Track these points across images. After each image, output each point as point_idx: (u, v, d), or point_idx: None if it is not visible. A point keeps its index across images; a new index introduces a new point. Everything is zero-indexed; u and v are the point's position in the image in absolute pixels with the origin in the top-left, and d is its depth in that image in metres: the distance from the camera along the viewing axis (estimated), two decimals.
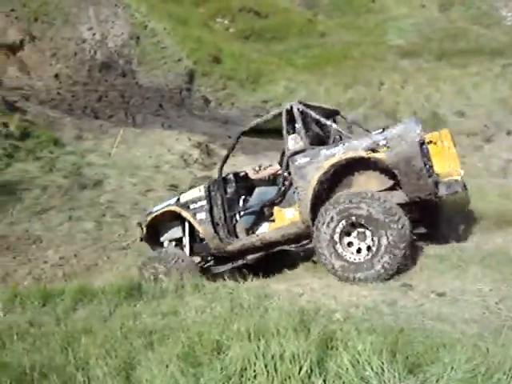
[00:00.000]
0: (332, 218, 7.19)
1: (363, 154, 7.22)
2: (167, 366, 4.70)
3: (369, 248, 7.14)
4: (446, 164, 7.17)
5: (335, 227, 7.21)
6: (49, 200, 18.23)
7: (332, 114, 9.57)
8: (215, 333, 5.23)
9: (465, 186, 7.81)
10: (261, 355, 4.25)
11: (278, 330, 4.87)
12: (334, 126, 8.23)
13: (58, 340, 5.99)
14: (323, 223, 7.28)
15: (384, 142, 7.11)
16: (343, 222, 7.18)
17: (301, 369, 4.04)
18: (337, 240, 7.26)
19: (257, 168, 9.19)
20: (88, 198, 18.83)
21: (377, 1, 49.15)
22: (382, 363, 3.92)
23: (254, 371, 4.17)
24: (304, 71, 36.59)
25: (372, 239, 7.03)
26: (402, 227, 6.83)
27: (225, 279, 8.14)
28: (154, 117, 28.82)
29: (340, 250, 7.25)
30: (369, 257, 7.01)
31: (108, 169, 20.93)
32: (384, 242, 6.83)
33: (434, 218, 7.89)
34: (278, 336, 4.72)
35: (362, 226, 7.13)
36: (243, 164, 22.36)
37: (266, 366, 4.12)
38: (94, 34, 35.54)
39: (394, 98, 32.18)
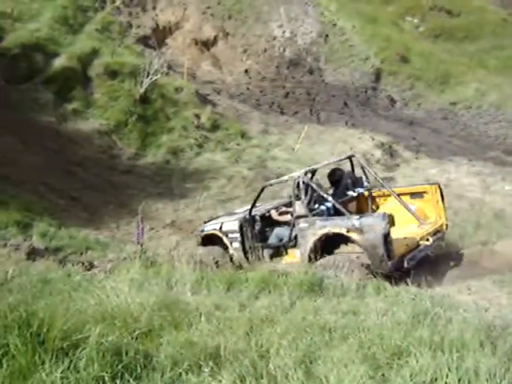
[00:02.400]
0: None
1: (344, 231, 9.37)
2: (346, 366, 4.62)
3: None
4: (434, 214, 10.23)
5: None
6: (233, 190, 18.92)
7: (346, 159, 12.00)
8: (396, 338, 5.06)
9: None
10: (454, 368, 4.05)
11: (462, 343, 4.62)
12: (331, 201, 10.35)
13: (241, 325, 6.12)
14: None
15: (359, 227, 9.14)
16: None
17: None
18: None
19: (279, 211, 11.32)
20: (270, 190, 19.25)
21: None
22: None
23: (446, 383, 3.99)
24: (496, 73, 34.63)
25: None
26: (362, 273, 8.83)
27: (407, 284, 7.92)
28: (339, 115, 28.79)
29: None
30: None
31: (291, 163, 21.23)
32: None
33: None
34: (463, 349, 4.48)
35: None
36: (427, 167, 21.72)
37: (459, 381, 3.92)
38: (284, 32, 36.23)
39: None
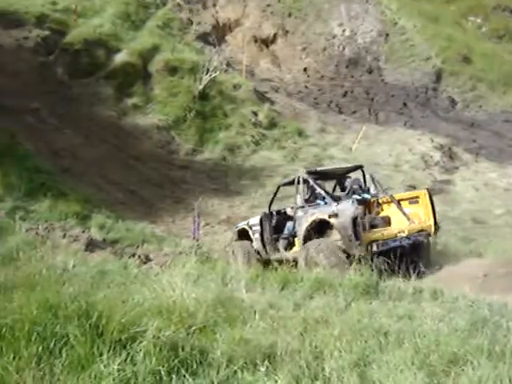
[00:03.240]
0: (305, 255, 10.57)
1: (326, 217, 10.65)
2: (401, 371, 4.53)
3: None
4: (423, 217, 11.15)
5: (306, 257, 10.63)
6: (289, 188, 18.83)
7: (353, 170, 12.83)
8: (453, 345, 4.94)
9: (430, 234, 11.15)
10: None
11: None
12: (325, 195, 11.32)
13: (295, 325, 6.09)
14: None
15: (336, 212, 10.45)
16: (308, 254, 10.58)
17: None
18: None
19: (293, 208, 12.20)
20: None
21: None
22: None
23: None
24: None
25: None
26: (333, 252, 10.17)
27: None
28: (397, 115, 28.43)
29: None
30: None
31: (348, 163, 21.05)
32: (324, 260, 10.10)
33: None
34: None
35: None
36: (487, 170, 21.26)
37: None
38: (344, 30, 36.00)
39: None
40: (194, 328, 5.05)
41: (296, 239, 11.58)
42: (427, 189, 11.65)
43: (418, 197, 11.43)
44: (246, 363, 4.72)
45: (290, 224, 12.12)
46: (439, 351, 4.89)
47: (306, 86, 30.70)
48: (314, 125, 24.77)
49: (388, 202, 11.87)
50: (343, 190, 12.11)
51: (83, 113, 20.44)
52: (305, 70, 32.62)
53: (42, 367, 4.17)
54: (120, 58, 23.49)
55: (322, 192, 11.31)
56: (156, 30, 27.14)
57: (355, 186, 11.96)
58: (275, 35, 34.80)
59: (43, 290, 5.04)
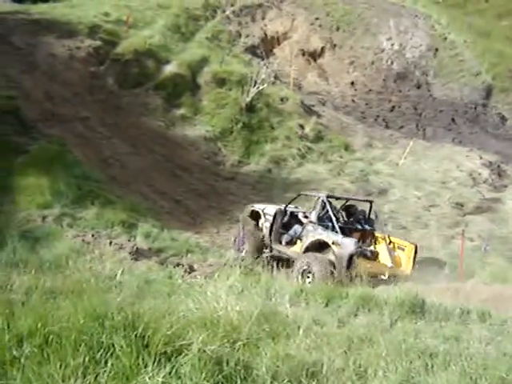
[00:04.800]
0: (301, 262, 12.66)
1: (330, 242, 12.58)
2: None
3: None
4: (404, 264, 13.17)
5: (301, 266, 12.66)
6: (334, 203, 18.75)
7: (364, 201, 15.19)
8: (502, 369, 4.81)
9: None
10: None
11: None
12: (334, 221, 13.18)
13: (339, 343, 6.02)
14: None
15: (340, 243, 12.39)
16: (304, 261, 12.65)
17: None
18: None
19: (304, 214, 14.60)
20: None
21: None
22: None
23: None
24: None
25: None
26: (326, 268, 12.06)
27: None
28: (445, 131, 28.07)
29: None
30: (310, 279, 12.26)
31: (394, 179, 20.92)
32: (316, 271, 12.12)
33: None
34: None
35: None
36: None
37: None
38: (393, 45, 35.78)
39: None
40: (239, 343, 5.03)
41: (298, 241, 13.87)
42: (416, 245, 13.42)
43: (405, 246, 13.46)
44: (290, 380, 4.69)
45: (297, 227, 14.28)
46: (487, 375, 4.80)
47: (353, 100, 30.57)
48: (361, 139, 24.63)
49: (382, 239, 13.84)
50: (349, 216, 14.38)
51: (132, 122, 20.72)
52: (352, 83, 32.49)
53: (87, 377, 4.20)
54: (169, 69, 23.76)
55: (334, 221, 13.17)
56: (205, 42, 27.40)
57: (360, 216, 14.29)
58: (323, 49, 34.77)
59: (90, 299, 5.09)
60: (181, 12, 29.19)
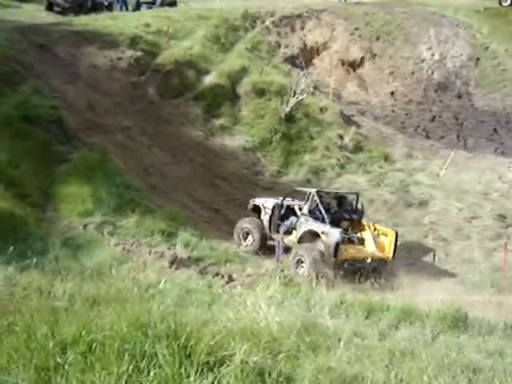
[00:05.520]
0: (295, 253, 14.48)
1: (320, 232, 14.57)
2: None
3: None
4: (387, 248, 15.03)
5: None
6: (374, 213, 18.64)
7: (351, 193, 16.93)
8: None
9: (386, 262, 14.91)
10: None
11: None
12: (324, 214, 15.02)
13: (380, 356, 5.96)
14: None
15: (327, 232, 14.35)
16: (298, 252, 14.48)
17: None
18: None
19: (299, 206, 15.98)
20: (412, 216, 18.83)
21: None
22: None
23: None
24: None
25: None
26: (315, 257, 13.92)
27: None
28: (487, 141, 27.59)
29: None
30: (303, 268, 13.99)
31: (435, 190, 20.63)
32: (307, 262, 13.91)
33: None
34: None
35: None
36: None
37: None
38: (433, 54, 35.41)
39: None
40: (281, 355, 5.00)
41: (294, 231, 15.54)
42: (396, 231, 15.27)
43: (388, 233, 15.32)
44: None
45: (293, 218, 15.81)
46: None
47: (393, 110, 30.30)
48: (401, 149, 24.36)
49: (368, 226, 15.73)
50: (339, 206, 16.21)
51: (172, 132, 20.92)
52: (392, 93, 32.21)
53: None
54: (209, 79, 23.92)
55: (324, 213, 14.92)
56: (244, 53, 27.49)
57: (348, 207, 16.22)
58: (363, 58, 34.56)
59: (133, 307, 5.13)
60: (220, 23, 29.38)
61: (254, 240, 15.71)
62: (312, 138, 23.17)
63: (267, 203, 16.31)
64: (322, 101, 25.68)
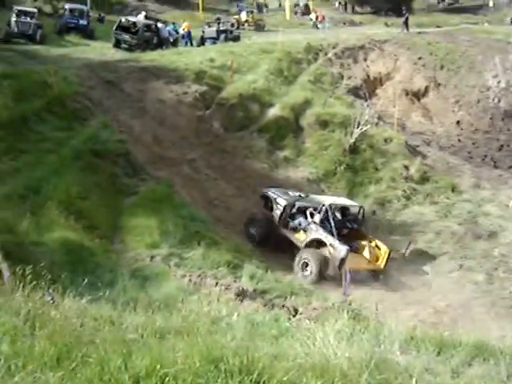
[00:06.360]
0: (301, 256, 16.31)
1: (328, 243, 16.27)
2: None
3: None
4: (378, 262, 16.95)
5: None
6: (441, 245, 18.30)
7: (356, 206, 18.66)
8: None
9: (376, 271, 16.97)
10: None
11: None
12: (332, 226, 16.80)
13: None
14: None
15: (335, 246, 16.15)
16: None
17: None
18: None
19: (311, 215, 17.42)
20: (481, 248, 18.32)
21: None
22: None
23: None
24: None
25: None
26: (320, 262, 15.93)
27: None
28: None
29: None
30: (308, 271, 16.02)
31: (504, 221, 20.06)
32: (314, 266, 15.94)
33: None
34: None
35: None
36: None
37: None
38: (499, 82, 34.77)
39: None
40: None
41: (302, 231, 17.29)
42: (390, 250, 16.92)
43: (381, 248, 17.05)
44: None
45: (302, 220, 17.51)
46: None
47: (459, 140, 29.76)
48: (468, 180, 23.83)
49: (365, 237, 17.50)
50: (343, 216, 17.74)
51: (237, 164, 21.15)
52: (458, 122, 31.70)
53: None
54: (273, 112, 24.16)
55: (333, 226, 16.63)
56: (307, 85, 27.67)
57: (351, 217, 17.97)
58: (427, 88, 34.23)
59: (205, 341, 5.14)
60: (283, 56, 29.73)
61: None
62: (377, 169, 23.00)
63: (279, 200, 18.08)
64: (387, 131, 25.49)
